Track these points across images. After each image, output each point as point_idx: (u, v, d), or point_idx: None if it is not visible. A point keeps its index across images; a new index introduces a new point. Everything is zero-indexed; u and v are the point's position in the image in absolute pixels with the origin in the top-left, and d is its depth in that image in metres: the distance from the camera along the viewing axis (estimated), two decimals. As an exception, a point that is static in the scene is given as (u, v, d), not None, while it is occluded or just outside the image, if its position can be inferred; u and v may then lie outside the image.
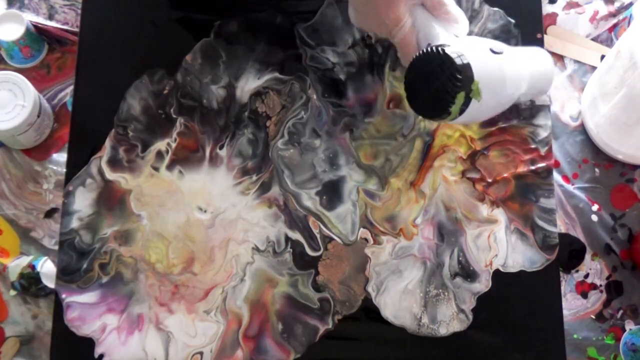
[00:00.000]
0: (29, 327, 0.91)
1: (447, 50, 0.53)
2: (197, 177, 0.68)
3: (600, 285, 0.93)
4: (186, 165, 0.69)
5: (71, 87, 0.92)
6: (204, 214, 0.67)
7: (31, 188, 0.98)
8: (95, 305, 0.65)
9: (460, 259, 0.67)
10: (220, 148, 0.69)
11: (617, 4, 1.03)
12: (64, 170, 0.69)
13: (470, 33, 0.71)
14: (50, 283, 0.90)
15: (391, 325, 0.65)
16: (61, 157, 0.99)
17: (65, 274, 0.66)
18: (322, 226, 0.67)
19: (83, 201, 0.68)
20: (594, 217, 0.95)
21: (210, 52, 0.71)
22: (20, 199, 0.97)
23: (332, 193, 0.68)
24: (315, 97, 0.70)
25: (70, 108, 0.98)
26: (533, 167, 0.69)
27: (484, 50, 0.54)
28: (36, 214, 0.96)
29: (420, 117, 0.70)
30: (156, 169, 0.69)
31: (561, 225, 0.94)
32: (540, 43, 0.72)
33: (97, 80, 0.71)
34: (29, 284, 0.91)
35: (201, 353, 0.64)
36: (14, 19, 1.00)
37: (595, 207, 0.95)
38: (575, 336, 0.91)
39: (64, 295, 0.65)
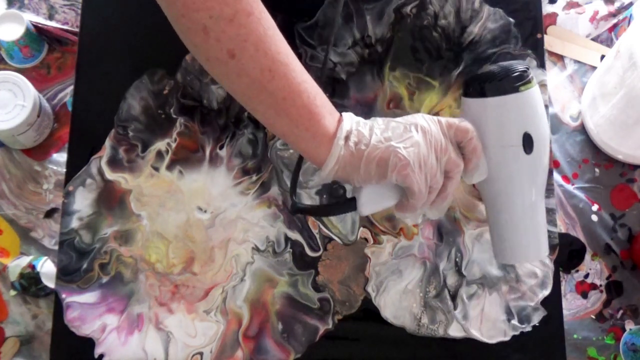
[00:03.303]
0: (29, 327, 0.92)
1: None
2: (197, 177, 0.68)
3: (600, 285, 0.93)
4: (186, 165, 0.69)
5: (71, 87, 0.92)
6: (204, 214, 0.67)
7: (31, 188, 0.98)
8: (95, 305, 0.65)
9: (457, 259, 0.67)
10: (220, 148, 0.69)
11: (617, 4, 1.03)
12: (64, 170, 0.69)
13: (470, 33, 0.71)
14: (50, 283, 0.90)
15: (391, 325, 0.65)
16: (61, 157, 0.99)
17: (65, 274, 0.66)
18: (321, 226, 0.67)
19: (83, 201, 0.68)
20: (594, 217, 0.95)
21: (210, 52, 0.71)
22: (20, 199, 0.97)
23: (332, 192, 0.68)
24: (315, 97, 0.70)
25: (70, 108, 0.98)
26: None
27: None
28: (36, 214, 0.96)
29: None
30: (156, 169, 0.69)
31: (561, 225, 0.94)
32: (540, 43, 0.72)
33: (97, 80, 0.71)
34: (29, 284, 0.91)
35: (201, 353, 0.64)
36: (14, 19, 1.00)
37: (595, 207, 0.95)
38: (575, 336, 0.91)
39: (64, 295, 0.65)
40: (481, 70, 0.58)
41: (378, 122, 0.55)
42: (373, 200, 0.55)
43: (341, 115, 0.55)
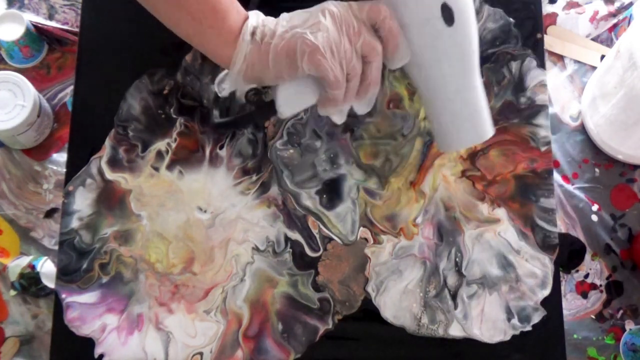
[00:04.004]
0: (29, 327, 0.92)
1: None
2: (197, 177, 0.68)
3: (600, 285, 0.93)
4: (186, 165, 0.69)
5: (71, 87, 0.92)
6: (204, 214, 0.67)
7: (31, 188, 0.98)
8: (95, 305, 0.65)
9: (457, 259, 0.67)
10: (220, 148, 0.69)
11: (617, 4, 1.03)
12: (64, 170, 0.69)
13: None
14: (50, 283, 0.90)
15: (391, 325, 0.65)
16: (61, 157, 0.99)
17: (65, 274, 0.66)
18: (321, 226, 0.67)
19: (83, 201, 0.68)
20: (594, 217, 0.95)
21: (210, 52, 0.71)
22: (20, 199, 0.97)
23: (332, 191, 0.68)
24: (315, 97, 0.70)
25: (70, 108, 0.98)
26: (533, 167, 0.69)
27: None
28: (36, 214, 0.96)
29: (420, 117, 0.70)
30: (156, 169, 0.69)
31: (561, 225, 0.94)
32: (540, 43, 0.72)
33: (97, 80, 0.71)
34: (29, 284, 0.91)
35: (201, 353, 0.64)
36: (14, 19, 1.00)
37: (595, 207, 0.95)
38: (575, 336, 0.91)
39: (64, 295, 0.65)
40: None
41: (284, 16, 0.53)
42: (291, 99, 0.53)
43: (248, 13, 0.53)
